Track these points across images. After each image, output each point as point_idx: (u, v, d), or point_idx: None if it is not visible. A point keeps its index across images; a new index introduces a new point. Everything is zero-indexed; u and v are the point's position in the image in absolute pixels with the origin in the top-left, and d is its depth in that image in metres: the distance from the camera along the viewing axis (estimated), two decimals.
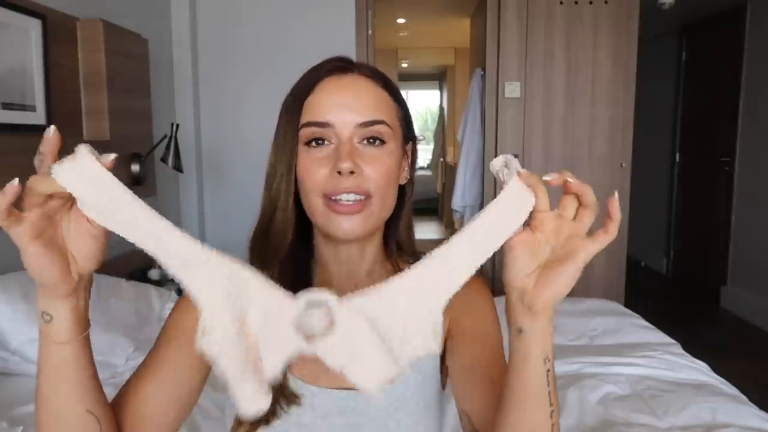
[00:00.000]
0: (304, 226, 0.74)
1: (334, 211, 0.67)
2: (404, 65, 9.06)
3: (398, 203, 0.76)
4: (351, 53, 3.10)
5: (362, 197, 0.68)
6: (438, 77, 10.06)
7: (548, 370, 0.57)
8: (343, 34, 3.14)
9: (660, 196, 5.26)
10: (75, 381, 0.57)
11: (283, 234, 0.71)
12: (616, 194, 0.52)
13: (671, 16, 4.33)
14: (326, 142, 0.68)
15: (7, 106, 1.79)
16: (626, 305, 2.67)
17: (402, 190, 0.77)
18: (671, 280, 5.07)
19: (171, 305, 2.07)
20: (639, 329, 2.06)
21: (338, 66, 0.70)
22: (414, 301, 0.52)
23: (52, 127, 0.49)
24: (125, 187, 0.49)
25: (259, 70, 3.12)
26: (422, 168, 9.79)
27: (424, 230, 7.17)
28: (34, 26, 1.90)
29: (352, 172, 0.66)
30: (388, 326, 0.51)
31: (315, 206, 0.69)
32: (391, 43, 7.14)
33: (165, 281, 2.41)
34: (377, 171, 0.68)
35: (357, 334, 0.50)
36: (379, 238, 0.77)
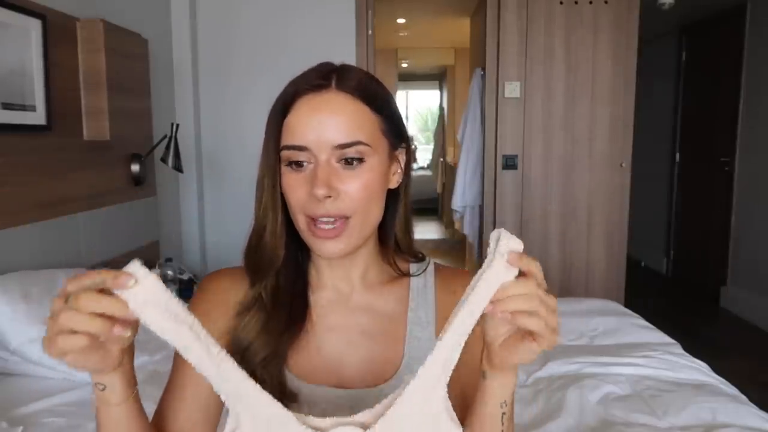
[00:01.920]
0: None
1: (315, 235, 0.69)
2: (404, 65, 9.05)
3: (392, 205, 0.77)
4: (351, 53, 3.12)
5: (341, 220, 0.69)
6: (438, 77, 10.06)
7: (504, 413, 0.63)
8: (343, 34, 3.14)
9: (660, 196, 5.25)
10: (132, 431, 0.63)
11: (273, 247, 0.73)
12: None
13: (671, 16, 4.32)
14: (305, 163, 0.69)
15: (7, 106, 1.79)
16: (626, 305, 2.67)
17: (395, 192, 0.77)
18: (671, 280, 5.07)
19: None
20: (639, 329, 2.06)
21: (316, 84, 0.70)
22: (423, 405, 0.58)
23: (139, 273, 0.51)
24: (180, 305, 0.53)
25: (259, 70, 3.12)
26: (422, 168, 9.80)
27: (424, 230, 7.18)
28: (34, 26, 1.90)
29: (328, 196, 0.67)
30: None
31: (299, 223, 0.71)
32: (391, 43, 7.14)
33: (165, 281, 2.41)
34: (356, 190, 0.69)
35: None
36: (373, 241, 0.78)
